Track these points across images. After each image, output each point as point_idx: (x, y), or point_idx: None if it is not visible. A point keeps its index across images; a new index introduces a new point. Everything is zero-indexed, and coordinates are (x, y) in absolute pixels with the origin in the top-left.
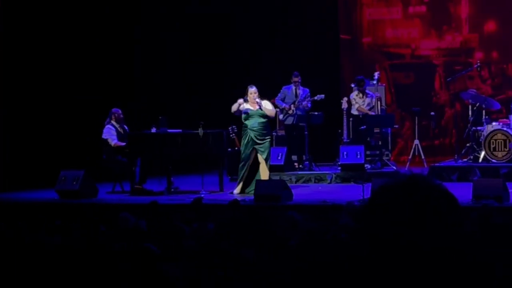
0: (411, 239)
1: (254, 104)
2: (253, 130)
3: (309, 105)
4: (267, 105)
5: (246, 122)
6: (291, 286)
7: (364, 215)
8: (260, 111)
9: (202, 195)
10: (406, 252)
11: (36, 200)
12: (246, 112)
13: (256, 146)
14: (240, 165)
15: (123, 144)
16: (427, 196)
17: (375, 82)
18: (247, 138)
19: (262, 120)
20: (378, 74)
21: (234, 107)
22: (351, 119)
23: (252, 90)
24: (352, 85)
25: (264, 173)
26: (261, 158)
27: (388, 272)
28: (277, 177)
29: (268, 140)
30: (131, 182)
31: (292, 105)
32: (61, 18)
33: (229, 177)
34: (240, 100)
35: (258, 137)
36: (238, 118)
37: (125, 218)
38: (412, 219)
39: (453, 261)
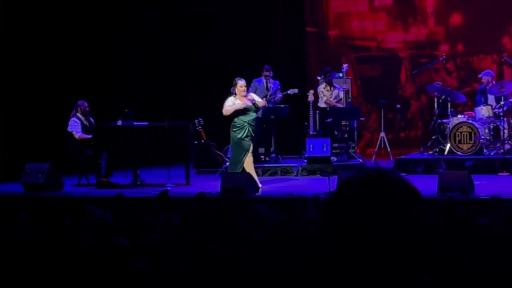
0: (376, 232)
1: (243, 98)
2: (252, 125)
3: (277, 99)
4: (257, 98)
5: (243, 117)
6: (258, 279)
7: (330, 207)
8: (254, 106)
9: (168, 188)
10: (371, 244)
11: (1, 193)
12: (244, 107)
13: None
14: (239, 159)
15: (88, 136)
16: (391, 189)
17: (341, 74)
18: (246, 132)
19: (255, 115)
20: (346, 66)
21: (230, 110)
22: (317, 112)
23: (242, 83)
24: (319, 78)
25: (251, 165)
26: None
27: (354, 264)
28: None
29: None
30: (97, 175)
31: (264, 98)
32: (25, 13)
33: (196, 170)
34: (237, 102)
35: (254, 132)
36: (204, 111)
37: (91, 211)
38: (377, 212)
39: (417, 252)
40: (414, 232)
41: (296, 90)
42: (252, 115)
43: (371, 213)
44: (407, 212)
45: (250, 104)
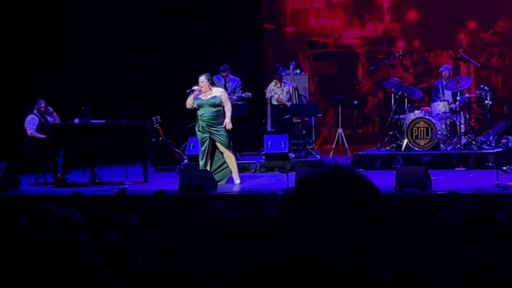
0: (334, 228)
1: (205, 93)
2: (203, 120)
3: (239, 95)
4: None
5: (199, 111)
6: (216, 276)
7: (287, 205)
8: (211, 100)
9: (126, 186)
10: (329, 241)
11: None
12: (200, 100)
13: (212, 136)
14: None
15: (40, 136)
16: (349, 185)
17: (285, 72)
18: (198, 127)
19: (213, 109)
20: (293, 64)
21: (189, 102)
22: (269, 108)
23: (200, 79)
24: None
25: (231, 160)
26: (221, 147)
27: (310, 261)
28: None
29: (222, 128)
30: (54, 173)
31: None
32: None
33: (154, 167)
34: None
35: (210, 127)
36: (162, 109)
37: (48, 210)
38: (335, 209)
39: (375, 248)
40: (372, 228)
41: (249, 94)
42: (206, 110)
43: (329, 209)
44: (364, 208)
45: (204, 98)
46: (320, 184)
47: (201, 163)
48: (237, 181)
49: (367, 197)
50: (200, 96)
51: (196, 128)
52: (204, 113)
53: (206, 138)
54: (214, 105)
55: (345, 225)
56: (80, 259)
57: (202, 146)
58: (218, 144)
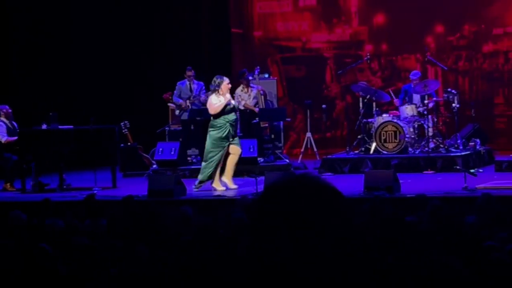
0: (301, 234)
1: (225, 97)
2: (232, 125)
3: (203, 96)
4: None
5: (227, 116)
6: (185, 281)
7: (255, 210)
8: (237, 105)
9: (95, 192)
10: (296, 246)
11: None
12: (230, 105)
13: (231, 140)
14: (212, 162)
15: (14, 138)
16: (315, 192)
17: (252, 77)
18: (226, 132)
19: (235, 116)
20: (258, 69)
21: (220, 107)
22: (237, 113)
23: (228, 81)
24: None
25: (230, 167)
26: (236, 150)
27: (278, 266)
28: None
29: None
30: (21, 179)
31: (187, 101)
32: None
33: (122, 173)
34: (228, 96)
35: (234, 133)
36: (131, 114)
37: (16, 216)
38: (301, 215)
39: (343, 253)
40: (339, 233)
41: None
42: (233, 116)
43: (295, 216)
44: (331, 213)
45: (232, 103)
46: (286, 190)
47: (209, 170)
48: (234, 186)
49: (332, 203)
50: (232, 101)
51: (222, 134)
52: (234, 118)
53: (227, 145)
54: (236, 111)
55: (312, 231)
56: (42, 266)
57: (220, 152)
58: (235, 147)
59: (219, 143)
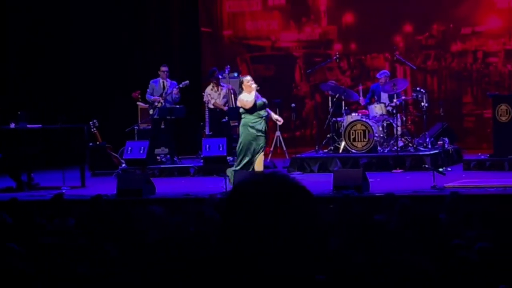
0: (269, 233)
1: (252, 93)
2: (265, 120)
3: (174, 96)
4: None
5: (262, 112)
6: (153, 280)
7: (223, 209)
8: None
9: (63, 191)
10: (264, 245)
11: None
12: (262, 100)
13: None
14: (253, 157)
15: None
16: (283, 191)
17: (221, 76)
18: (263, 127)
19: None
20: (229, 68)
21: (252, 101)
22: (207, 112)
23: (249, 78)
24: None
25: (261, 164)
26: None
27: (246, 264)
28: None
29: None
30: None
31: (160, 98)
32: None
33: (91, 172)
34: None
35: (265, 129)
36: (99, 113)
37: None
38: (269, 214)
39: (311, 252)
40: (307, 231)
41: (187, 82)
42: (265, 112)
43: (264, 214)
44: (299, 212)
45: (263, 100)
46: (255, 189)
47: (237, 168)
48: None
49: (300, 202)
50: (262, 97)
51: (255, 131)
52: (265, 114)
53: (264, 139)
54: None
55: (280, 229)
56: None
57: (259, 153)
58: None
59: (258, 139)
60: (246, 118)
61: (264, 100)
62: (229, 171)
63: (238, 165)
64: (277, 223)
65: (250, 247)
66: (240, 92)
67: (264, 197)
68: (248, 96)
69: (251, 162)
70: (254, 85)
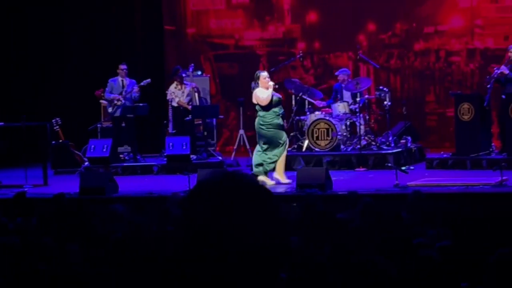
0: (229, 232)
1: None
2: (282, 117)
3: (134, 95)
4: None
5: (277, 109)
6: (116, 278)
7: (184, 208)
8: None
9: (26, 189)
10: (225, 244)
11: None
12: (278, 97)
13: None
14: (279, 154)
15: None
16: (243, 191)
17: (185, 74)
18: (282, 122)
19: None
20: (193, 66)
21: (269, 97)
22: (170, 110)
23: (265, 74)
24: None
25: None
26: None
27: (207, 263)
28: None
29: None
30: None
31: (119, 96)
32: None
33: (54, 170)
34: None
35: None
36: (62, 111)
37: None
38: (230, 213)
39: (272, 250)
40: (268, 230)
41: (149, 80)
42: (281, 108)
43: (224, 213)
44: (259, 211)
45: (279, 95)
46: (215, 187)
47: (272, 166)
48: (288, 180)
49: (260, 201)
50: (278, 94)
51: (272, 127)
52: (281, 111)
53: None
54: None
55: (240, 228)
56: None
57: (284, 149)
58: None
59: (282, 136)
60: (262, 117)
61: (279, 96)
62: (261, 171)
63: (270, 163)
64: (236, 222)
65: (209, 246)
66: (255, 88)
67: (224, 195)
68: (264, 92)
69: (274, 161)
70: (271, 83)
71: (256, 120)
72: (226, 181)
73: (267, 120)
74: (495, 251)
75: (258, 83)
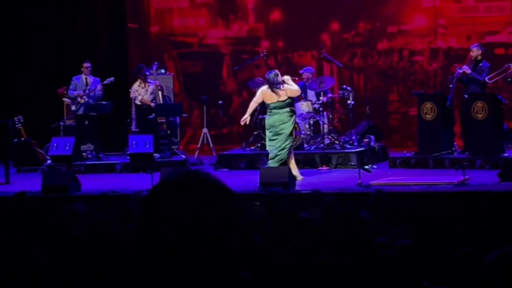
0: (190, 231)
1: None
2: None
3: (98, 93)
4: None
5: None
6: (77, 277)
7: (144, 208)
8: None
9: None
10: (185, 243)
11: None
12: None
13: None
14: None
15: None
16: (204, 190)
17: (149, 72)
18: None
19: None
20: (156, 64)
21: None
22: (133, 108)
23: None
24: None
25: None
26: None
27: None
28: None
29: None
30: None
31: (83, 94)
32: None
33: (16, 168)
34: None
35: None
36: (25, 109)
37: None
38: (190, 213)
39: (234, 250)
40: (230, 229)
41: (112, 79)
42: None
43: (185, 213)
44: (220, 210)
45: None
46: (176, 187)
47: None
48: (301, 176)
49: (221, 200)
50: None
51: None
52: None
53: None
54: None
55: (201, 227)
56: None
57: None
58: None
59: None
60: (290, 112)
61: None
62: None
63: (277, 160)
64: (198, 221)
65: (170, 245)
66: (274, 88)
67: (185, 194)
68: (293, 85)
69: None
70: (286, 77)
71: (290, 116)
72: (188, 179)
73: (291, 115)
74: (458, 251)
75: (277, 80)
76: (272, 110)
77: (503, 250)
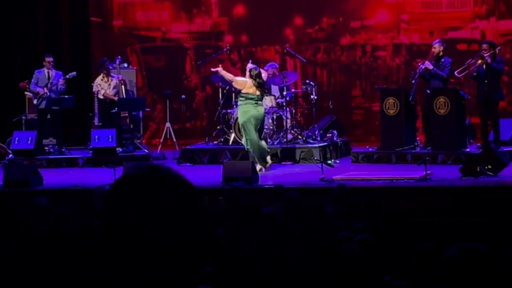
0: (150, 227)
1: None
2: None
3: (60, 87)
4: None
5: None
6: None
7: (105, 202)
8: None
9: None
10: (145, 239)
11: None
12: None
13: None
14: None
15: None
16: (165, 184)
17: (112, 66)
18: None
19: None
20: (119, 58)
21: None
22: (96, 103)
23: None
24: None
25: None
26: None
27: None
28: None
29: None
30: None
31: (45, 88)
32: None
33: None
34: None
35: None
36: None
37: None
38: (150, 208)
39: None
40: (191, 224)
41: (74, 73)
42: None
43: (144, 208)
44: (181, 204)
45: None
46: (138, 181)
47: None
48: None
49: (182, 195)
50: None
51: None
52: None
53: None
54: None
55: (161, 221)
56: None
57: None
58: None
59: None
60: (257, 99)
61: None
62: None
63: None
64: (159, 215)
65: (131, 239)
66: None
67: (147, 189)
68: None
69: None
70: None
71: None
72: (151, 174)
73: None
74: (419, 246)
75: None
76: (258, 102)
77: (462, 245)
